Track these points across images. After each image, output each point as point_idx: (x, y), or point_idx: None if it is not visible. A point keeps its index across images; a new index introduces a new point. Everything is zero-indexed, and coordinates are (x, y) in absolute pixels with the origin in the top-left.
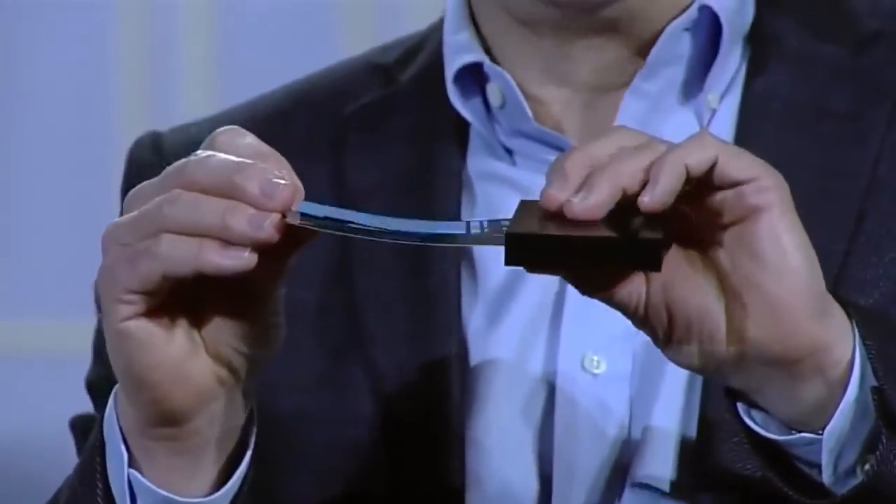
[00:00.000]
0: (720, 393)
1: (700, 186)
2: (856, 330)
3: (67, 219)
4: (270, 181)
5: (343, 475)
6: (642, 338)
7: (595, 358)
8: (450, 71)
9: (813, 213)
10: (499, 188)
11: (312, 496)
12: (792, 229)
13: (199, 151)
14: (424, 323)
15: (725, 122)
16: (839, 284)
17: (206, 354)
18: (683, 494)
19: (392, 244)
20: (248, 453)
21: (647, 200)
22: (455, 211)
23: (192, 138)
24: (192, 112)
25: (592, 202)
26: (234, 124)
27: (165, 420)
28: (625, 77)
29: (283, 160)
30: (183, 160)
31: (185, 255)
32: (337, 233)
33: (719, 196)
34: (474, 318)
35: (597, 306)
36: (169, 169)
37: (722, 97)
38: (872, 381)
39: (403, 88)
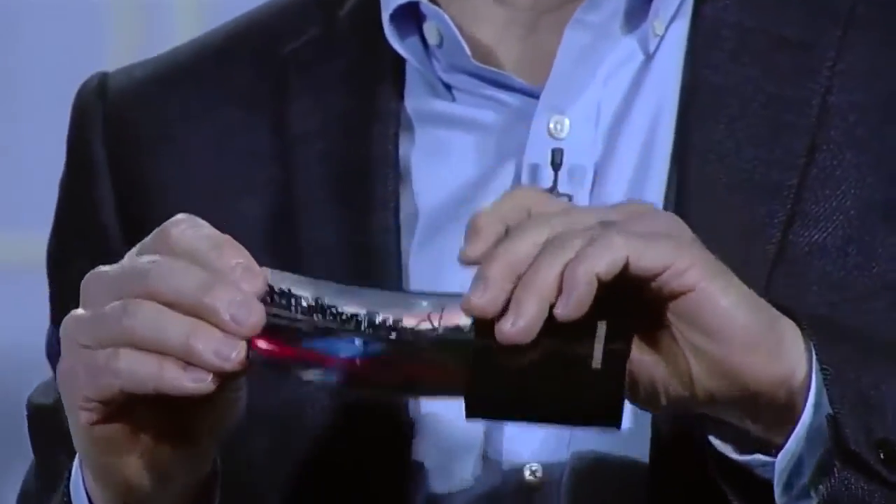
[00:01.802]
0: None
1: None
2: (814, 353)
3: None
4: (241, 305)
5: (287, 406)
6: None
7: None
8: (386, 11)
9: (765, 146)
10: (439, 127)
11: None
12: (725, 292)
13: (153, 243)
14: (366, 274)
15: (675, 49)
16: (793, 220)
17: (173, 440)
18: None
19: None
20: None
21: (561, 312)
22: (393, 156)
23: (136, 80)
24: None
25: (523, 326)
26: (179, 68)
27: (135, 500)
28: (566, 7)
29: (242, 250)
30: (146, 261)
31: (145, 376)
32: (292, 370)
33: (644, 286)
34: (420, 261)
35: None
36: (131, 267)
37: (669, 23)
38: (828, 408)
39: (341, 26)
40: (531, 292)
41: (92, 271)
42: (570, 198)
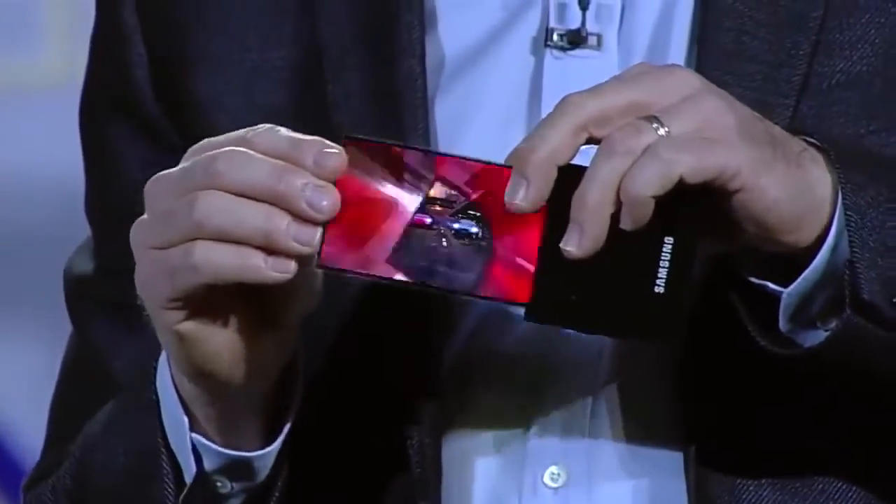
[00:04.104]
0: None
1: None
2: (840, 196)
3: None
4: (316, 190)
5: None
6: None
7: None
8: None
9: None
10: (465, 10)
11: None
12: (771, 187)
13: (221, 150)
14: (393, 119)
15: None
16: (818, 50)
17: (257, 328)
18: None
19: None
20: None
21: (623, 225)
22: (419, 2)
23: None
24: None
25: (587, 245)
26: None
27: (223, 391)
28: None
29: (319, 139)
30: (208, 155)
31: (225, 266)
32: (365, 278)
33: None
34: (445, 105)
35: (576, 83)
36: (195, 162)
37: None
38: (846, 250)
39: None
40: (590, 212)
41: (153, 176)
42: (598, 38)
